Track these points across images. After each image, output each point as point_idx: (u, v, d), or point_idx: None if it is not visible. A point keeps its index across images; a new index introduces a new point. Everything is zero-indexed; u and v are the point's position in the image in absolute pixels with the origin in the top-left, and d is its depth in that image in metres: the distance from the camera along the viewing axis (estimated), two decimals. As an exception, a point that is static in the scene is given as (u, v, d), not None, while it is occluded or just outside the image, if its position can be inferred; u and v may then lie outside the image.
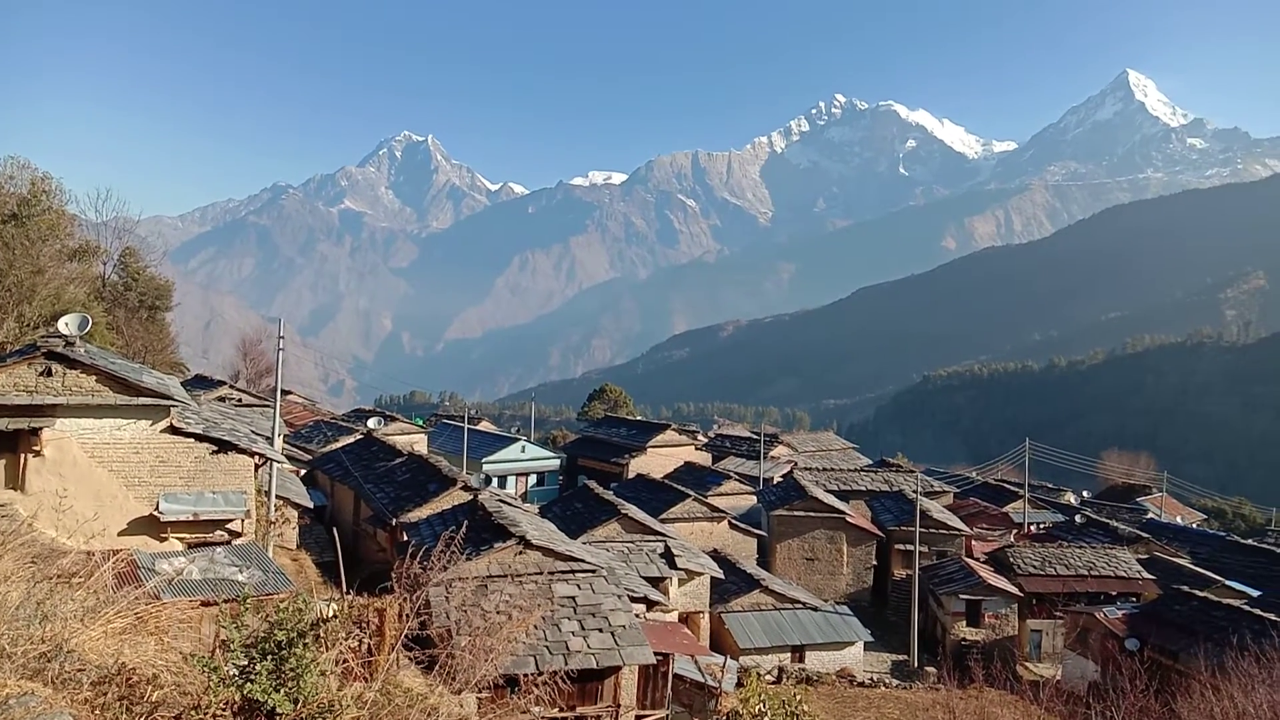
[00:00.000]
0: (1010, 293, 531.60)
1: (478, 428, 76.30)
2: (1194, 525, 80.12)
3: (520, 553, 21.02)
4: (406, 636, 13.58)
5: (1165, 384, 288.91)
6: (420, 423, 78.66)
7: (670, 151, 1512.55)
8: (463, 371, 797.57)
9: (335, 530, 21.90)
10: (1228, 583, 47.93)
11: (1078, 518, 64.58)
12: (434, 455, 46.62)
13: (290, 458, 45.20)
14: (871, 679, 37.93)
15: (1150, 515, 77.54)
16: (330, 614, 9.45)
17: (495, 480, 61.22)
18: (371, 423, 59.11)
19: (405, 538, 26.75)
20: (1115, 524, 61.92)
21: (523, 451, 67.13)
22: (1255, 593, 45.80)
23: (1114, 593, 44.85)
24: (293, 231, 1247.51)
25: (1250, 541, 64.60)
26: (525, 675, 16.42)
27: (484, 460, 63.54)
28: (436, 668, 13.92)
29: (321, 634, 7.94)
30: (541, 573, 20.65)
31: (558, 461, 69.18)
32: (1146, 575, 46.58)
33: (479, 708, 16.17)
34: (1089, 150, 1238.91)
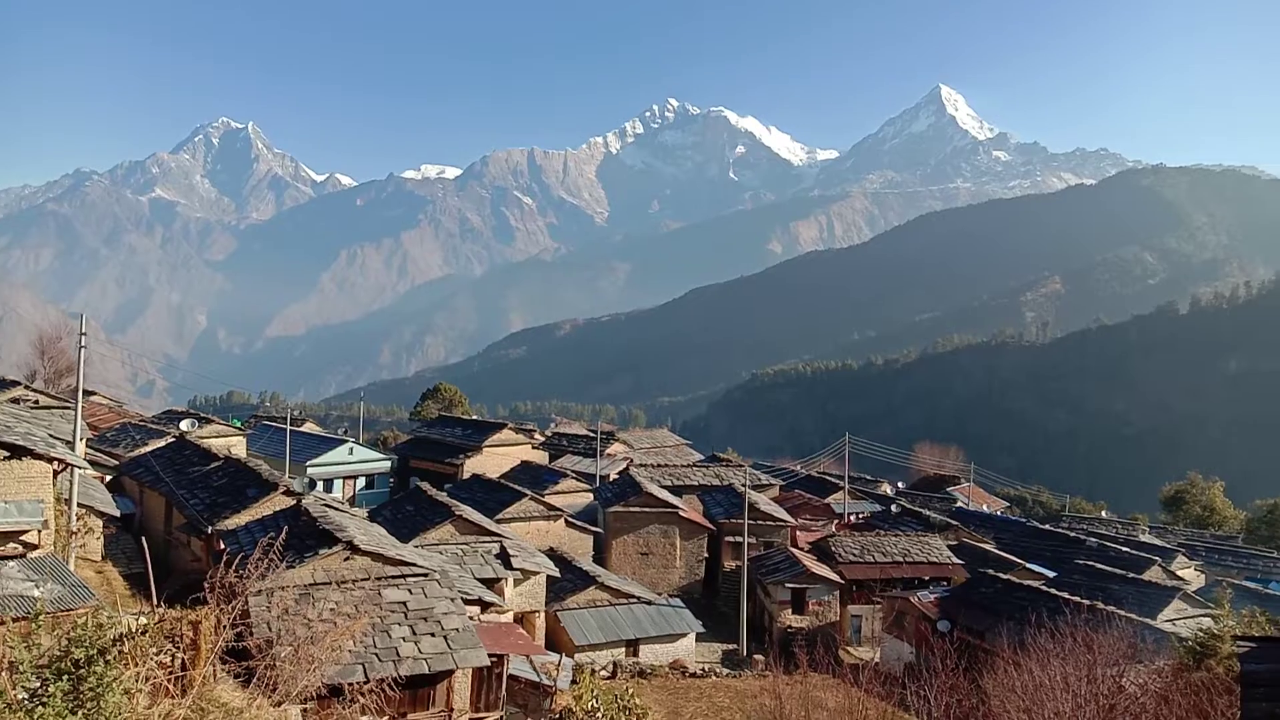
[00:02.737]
0: (832, 295, 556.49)
1: (301, 429, 73.33)
2: (998, 512, 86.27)
3: (347, 558, 20.34)
4: (225, 649, 12.88)
5: (972, 381, 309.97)
6: (239, 425, 74.87)
7: (506, 148, 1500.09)
8: (285, 371, 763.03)
9: (145, 540, 20.52)
10: (1028, 565, 51.96)
11: (893, 507, 68.26)
12: (254, 459, 44.40)
13: (94, 463, 41.95)
14: (703, 669, 38.85)
15: (959, 504, 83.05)
16: (139, 628, 8.84)
17: (321, 484, 58.89)
18: (185, 425, 55.73)
19: (222, 546, 25.39)
20: (927, 512, 65.93)
21: (350, 453, 64.90)
22: (1051, 574, 49.86)
23: (927, 578, 47.71)
24: (97, 221, 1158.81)
25: (1047, 526, 70.46)
26: (350, 684, 15.88)
27: (308, 463, 61.04)
28: (254, 680, 13.27)
29: (127, 650, 7.42)
30: (370, 578, 20.03)
31: (388, 463, 67.30)
32: (956, 560, 49.79)
33: (304, 719, 15.54)
34: (905, 160, 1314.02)
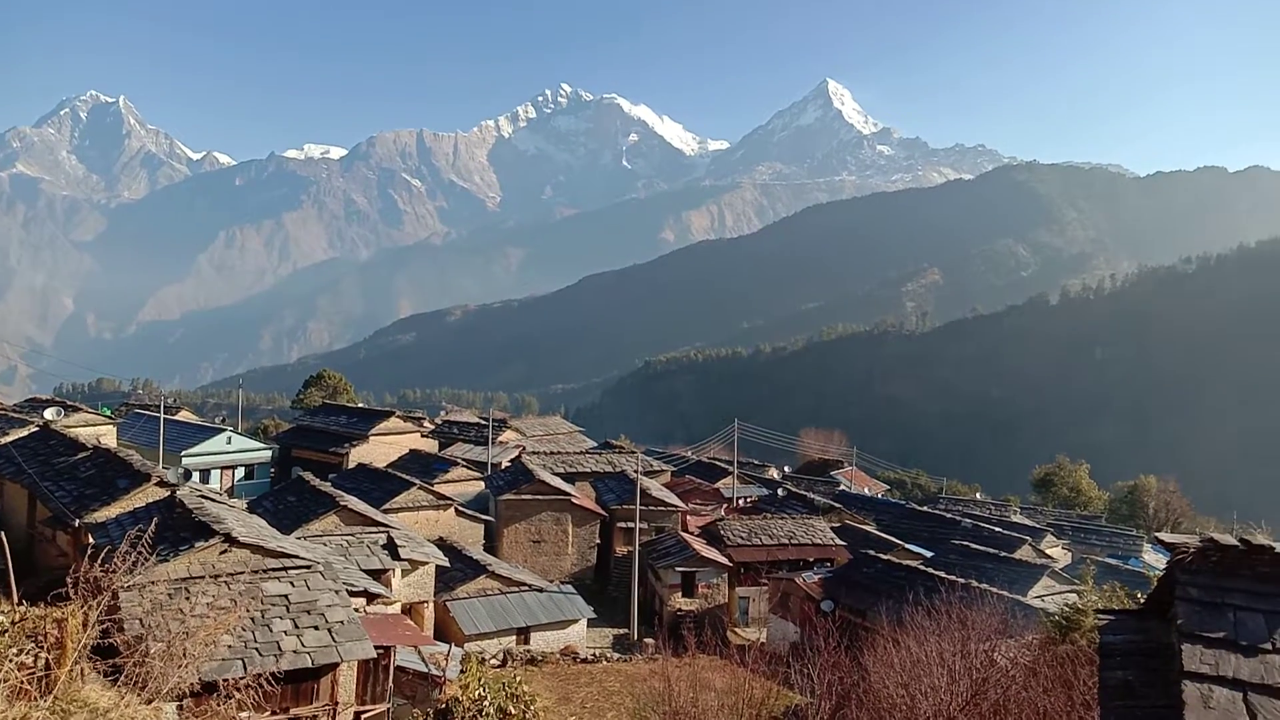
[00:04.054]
0: (723, 284, 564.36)
1: (176, 418, 70.49)
2: (879, 495, 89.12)
3: (225, 551, 19.59)
4: (94, 647, 12.27)
5: (855, 368, 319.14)
6: (109, 413, 71.36)
7: (394, 128, 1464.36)
8: (159, 357, 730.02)
9: (4, 534, 19.31)
10: (907, 546, 53.86)
11: (780, 491, 69.79)
12: (125, 449, 42.32)
13: (-56, 455, 39.25)
14: (594, 654, 38.99)
15: (842, 487, 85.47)
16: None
17: (197, 475, 56.50)
18: (49, 413, 52.57)
19: (91, 540, 24.14)
20: (812, 496, 67.67)
21: (229, 443, 62.60)
22: (929, 553, 51.77)
23: (811, 559, 48.93)
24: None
25: (925, 508, 73.17)
26: (225, 680, 15.34)
27: (184, 453, 58.65)
28: (122, 678, 12.70)
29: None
30: (250, 571, 19.37)
31: (269, 453, 65.22)
32: (839, 542, 51.22)
33: (180, 716, 14.97)
34: (793, 153, 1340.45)
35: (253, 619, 17.98)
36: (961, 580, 34.93)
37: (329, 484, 39.93)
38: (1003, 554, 48.43)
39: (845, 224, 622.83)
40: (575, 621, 39.97)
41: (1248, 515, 78.99)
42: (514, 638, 38.04)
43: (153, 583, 17.13)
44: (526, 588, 40.24)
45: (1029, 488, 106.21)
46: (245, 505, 34.85)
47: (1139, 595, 26.87)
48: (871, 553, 46.07)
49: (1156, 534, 6.84)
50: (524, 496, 50.47)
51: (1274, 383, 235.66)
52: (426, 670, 26.97)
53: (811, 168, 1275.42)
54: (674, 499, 56.01)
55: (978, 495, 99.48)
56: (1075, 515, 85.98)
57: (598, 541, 51.99)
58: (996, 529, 60.81)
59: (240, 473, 62.16)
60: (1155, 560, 61.40)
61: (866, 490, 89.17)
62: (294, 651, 17.87)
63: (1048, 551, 59.04)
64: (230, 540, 19.64)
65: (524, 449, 68.16)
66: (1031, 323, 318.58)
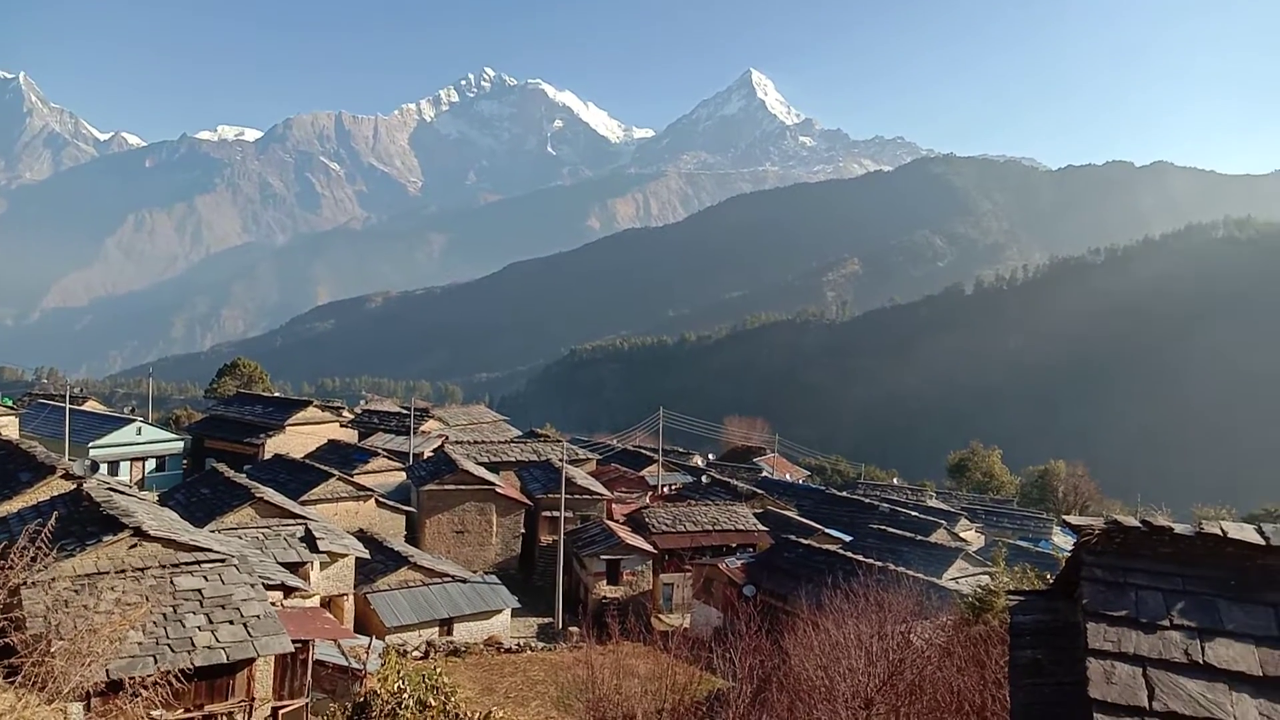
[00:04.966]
0: (648, 272, 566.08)
1: (83, 408, 67.81)
2: (800, 481, 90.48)
3: (135, 545, 18.93)
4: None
5: (777, 357, 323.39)
6: (10, 403, 68.74)
7: (311, 110, 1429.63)
8: (65, 345, 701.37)
9: (-110, 532, 18.35)
10: (827, 530, 54.83)
11: (704, 478, 70.45)
12: (27, 440, 40.52)
13: None
14: (518, 644, 38.86)
15: (765, 473, 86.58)
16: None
17: (106, 467, 54.70)
18: (-57, 404, 50.26)
19: (-12, 536, 23.06)
20: (736, 482, 68.39)
21: (139, 434, 60.60)
22: (848, 538, 52.81)
23: (735, 545, 49.50)
24: None
25: (845, 494, 74.54)
26: (131, 678, 14.87)
27: (91, 445, 56.59)
28: (20, 677, 12.22)
29: None
30: (162, 566, 18.76)
31: (181, 444, 63.38)
32: (761, 527, 51.92)
33: (86, 716, 14.47)
34: (717, 142, 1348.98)
35: (164, 614, 17.45)
36: (879, 564, 35.72)
37: (244, 475, 39.01)
38: (919, 538, 49.64)
39: (768, 214, 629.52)
40: (499, 612, 39.77)
41: (1151, 498, 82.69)
42: (437, 629, 37.70)
43: (57, 579, 16.48)
44: (449, 579, 39.88)
45: (944, 473, 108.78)
46: (156, 498, 33.82)
47: (1048, 576, 27.83)
48: (793, 538, 46.78)
49: (1064, 517, 7.09)
50: (447, 487, 49.94)
51: (1175, 372, 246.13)
52: (346, 664, 26.57)
53: (735, 157, 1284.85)
54: (599, 487, 56.08)
55: (895, 481, 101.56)
56: (988, 499, 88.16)
57: (523, 531, 51.77)
58: (913, 513, 62.19)
59: (151, 464, 60.34)
60: (1064, 542, 63.51)
61: (788, 476, 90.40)
62: (208, 647, 17.41)
63: (962, 535, 60.68)
64: (140, 534, 18.99)
65: (447, 438, 67.41)
66: (947, 312, 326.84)
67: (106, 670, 14.44)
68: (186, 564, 19.10)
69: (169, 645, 17.01)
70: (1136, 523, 5.74)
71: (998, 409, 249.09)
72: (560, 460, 54.15)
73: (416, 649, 35.30)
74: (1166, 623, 5.09)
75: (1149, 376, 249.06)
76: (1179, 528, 5.66)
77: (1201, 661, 4.82)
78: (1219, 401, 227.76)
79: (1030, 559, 45.23)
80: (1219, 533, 5.54)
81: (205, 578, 19.04)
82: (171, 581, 18.49)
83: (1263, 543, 5.44)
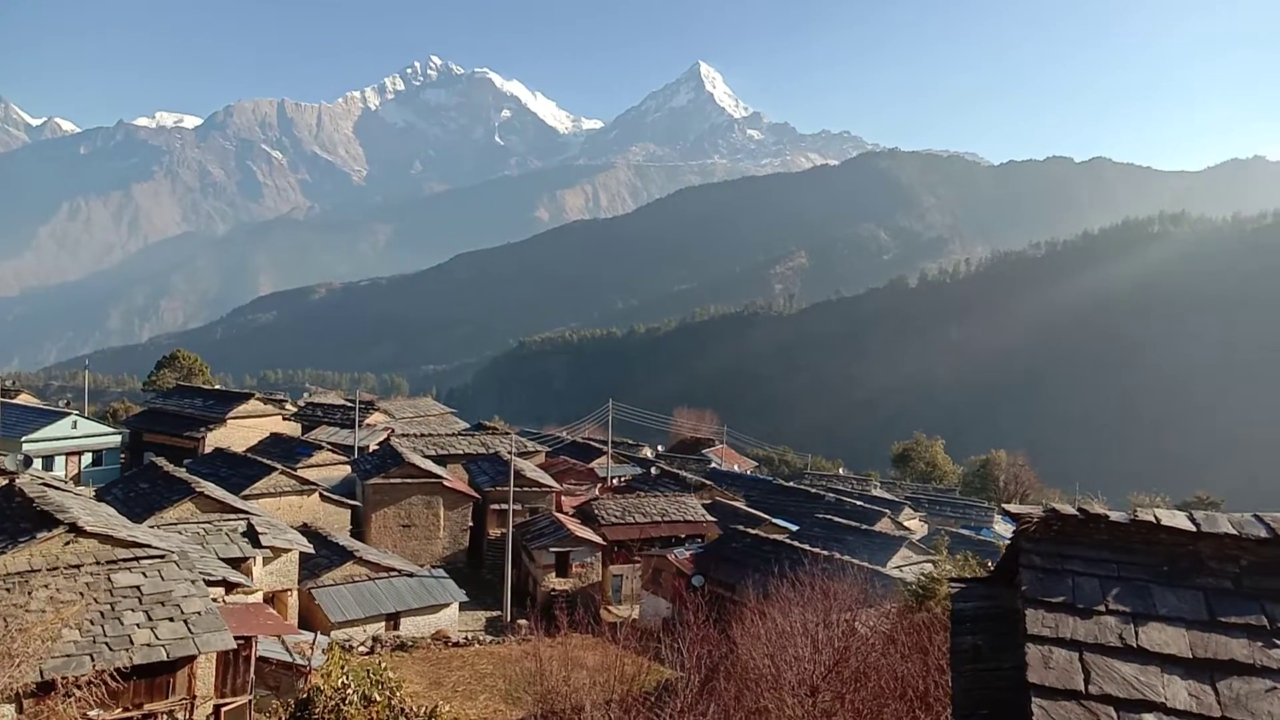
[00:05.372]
0: (597, 264, 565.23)
1: (15, 401, 66.21)
2: (748, 472, 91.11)
3: (70, 542, 18.46)
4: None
5: (725, 348, 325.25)
6: (-64, 397, 66.17)
7: (253, 97, 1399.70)
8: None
9: None
10: (774, 520, 55.30)
11: (653, 470, 70.61)
12: (-45, 435, 39.40)
13: None
14: (466, 638, 38.65)
15: (713, 464, 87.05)
16: None
17: (39, 462, 53.12)
18: None
19: (-87, 534, 22.29)
20: (684, 474, 68.68)
21: (74, 427, 59.04)
22: (794, 527, 53.31)
23: (683, 535, 49.76)
24: None
25: (792, 484, 75.28)
26: (65, 678, 14.52)
27: (24, 439, 55.00)
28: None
29: None
30: (99, 562, 18.32)
31: (119, 438, 61.90)
32: (710, 518, 52.21)
33: (18, 717, 14.11)
34: (666, 134, 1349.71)
35: (101, 612, 17.06)
36: (825, 552, 36.07)
37: (184, 470, 38.35)
38: (863, 526, 50.27)
39: (717, 207, 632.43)
40: (447, 606, 39.51)
41: (1089, 487, 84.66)
42: (383, 624, 37.34)
43: (-13, 578, 16.01)
44: (396, 573, 39.51)
45: (888, 463, 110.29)
46: (93, 493, 32.99)
47: (989, 564, 28.44)
48: (740, 528, 47.10)
49: (1005, 505, 7.22)
50: (393, 480, 49.44)
51: (1113, 364, 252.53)
52: (290, 660, 26.23)
53: (684, 150, 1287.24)
54: (548, 480, 55.93)
55: (840, 470, 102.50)
56: (931, 488, 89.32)
57: (471, 524, 51.46)
58: (858, 503, 62.94)
59: (87, 459, 58.83)
60: (1005, 530, 64.76)
61: (736, 467, 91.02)
62: (147, 645, 17.05)
63: (905, 523, 61.57)
64: (76, 530, 18.52)
65: (393, 431, 66.71)
66: (891, 305, 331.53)
67: (40, 670, 14.09)
68: (124, 560, 18.68)
69: (106, 644, 16.64)
70: (1074, 511, 5.88)
71: (941, 400, 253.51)
72: (509, 453, 53.87)
73: (362, 644, 34.96)
74: (1102, 608, 5.22)
75: (1088, 368, 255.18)
76: (1115, 515, 5.81)
77: (1135, 645, 4.96)
78: (1155, 392, 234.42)
79: (972, 547, 46.12)
80: (1153, 520, 5.70)
81: (144, 574, 18.64)
82: (109, 578, 18.08)
83: (1194, 529, 5.61)
